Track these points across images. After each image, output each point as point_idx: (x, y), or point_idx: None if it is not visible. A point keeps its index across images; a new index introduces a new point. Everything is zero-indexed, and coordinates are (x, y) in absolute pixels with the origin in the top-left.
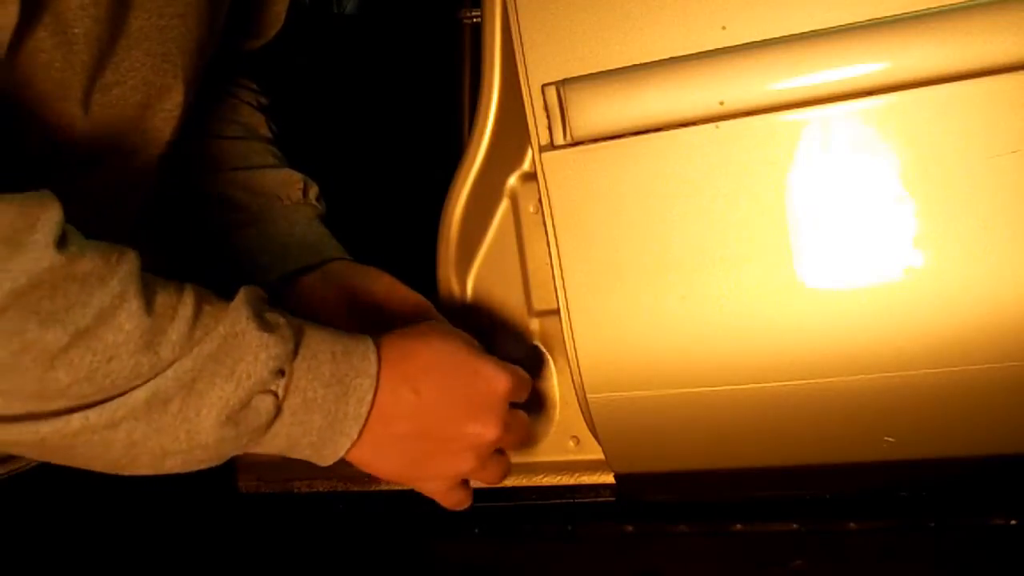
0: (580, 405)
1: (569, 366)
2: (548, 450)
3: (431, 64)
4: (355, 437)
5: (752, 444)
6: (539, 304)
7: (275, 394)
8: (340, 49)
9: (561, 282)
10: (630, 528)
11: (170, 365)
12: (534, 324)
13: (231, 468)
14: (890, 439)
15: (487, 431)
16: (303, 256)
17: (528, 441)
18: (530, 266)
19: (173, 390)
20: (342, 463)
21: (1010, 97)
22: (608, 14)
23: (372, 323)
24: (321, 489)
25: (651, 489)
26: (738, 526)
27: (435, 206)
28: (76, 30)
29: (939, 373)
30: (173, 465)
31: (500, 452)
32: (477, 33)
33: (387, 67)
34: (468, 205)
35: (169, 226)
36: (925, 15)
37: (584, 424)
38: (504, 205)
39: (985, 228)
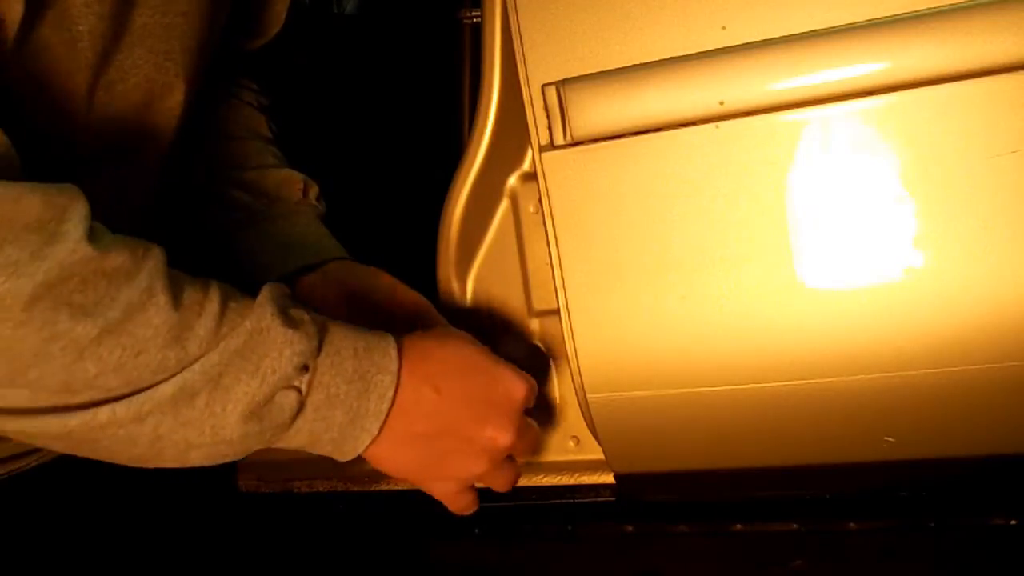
0: (580, 405)
1: (569, 366)
2: (548, 450)
3: (431, 64)
4: (375, 433)
5: (752, 444)
6: (539, 304)
7: (298, 390)
8: (340, 49)
9: (561, 282)
10: (630, 528)
11: (197, 360)
12: (534, 324)
13: (231, 468)
14: (890, 439)
15: (502, 436)
16: (303, 256)
17: (537, 450)
18: (530, 266)
19: (200, 385)
20: (343, 463)
21: (1010, 97)
22: (608, 14)
23: (372, 323)
24: (321, 489)
25: (651, 489)
26: (738, 526)
27: (435, 206)
28: (80, 27)
29: (939, 373)
30: (197, 458)
31: (510, 459)
32: (477, 33)
33: (387, 67)
34: (468, 205)
35: (170, 226)
36: (925, 15)
37: (584, 424)
38: (504, 205)
39: (985, 228)
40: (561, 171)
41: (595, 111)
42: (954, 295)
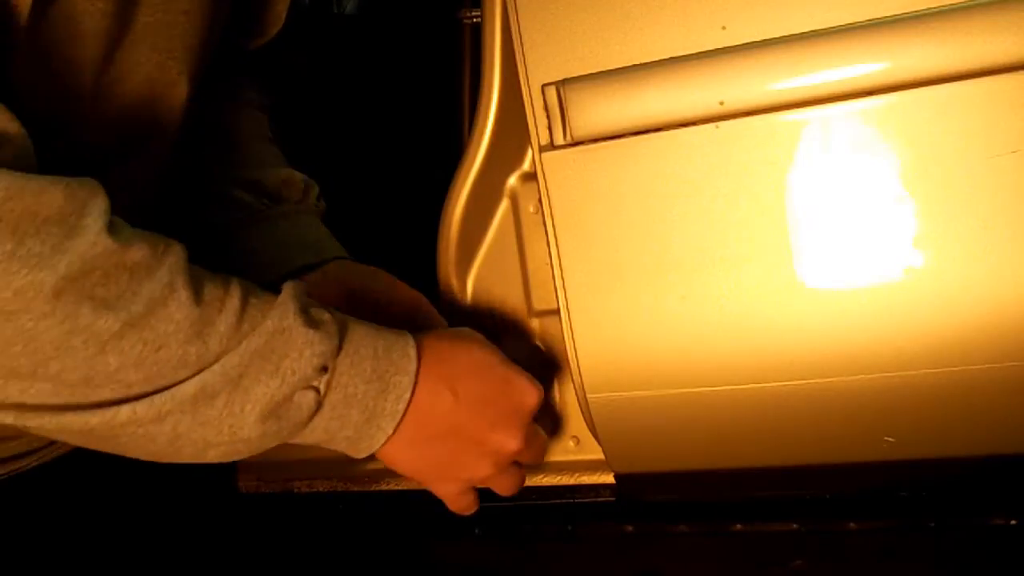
0: (580, 405)
1: (569, 366)
2: (548, 450)
3: (431, 64)
4: (391, 432)
5: (752, 444)
6: (539, 304)
7: (317, 390)
8: (340, 49)
9: (561, 282)
10: (630, 528)
11: (217, 359)
12: (534, 324)
13: (231, 468)
14: (890, 439)
15: (511, 441)
16: (303, 255)
17: (542, 459)
18: (530, 266)
19: (220, 385)
20: (344, 462)
21: (1010, 97)
22: (608, 14)
23: (372, 322)
24: (321, 489)
25: (651, 489)
26: (738, 526)
27: (435, 206)
28: (85, 25)
29: (939, 373)
30: (214, 456)
31: (516, 464)
32: (477, 33)
33: (387, 67)
34: (468, 205)
35: (170, 225)
36: (925, 15)
37: (584, 424)
38: (504, 205)
39: (985, 228)
40: (561, 171)
41: (595, 111)
42: (954, 295)
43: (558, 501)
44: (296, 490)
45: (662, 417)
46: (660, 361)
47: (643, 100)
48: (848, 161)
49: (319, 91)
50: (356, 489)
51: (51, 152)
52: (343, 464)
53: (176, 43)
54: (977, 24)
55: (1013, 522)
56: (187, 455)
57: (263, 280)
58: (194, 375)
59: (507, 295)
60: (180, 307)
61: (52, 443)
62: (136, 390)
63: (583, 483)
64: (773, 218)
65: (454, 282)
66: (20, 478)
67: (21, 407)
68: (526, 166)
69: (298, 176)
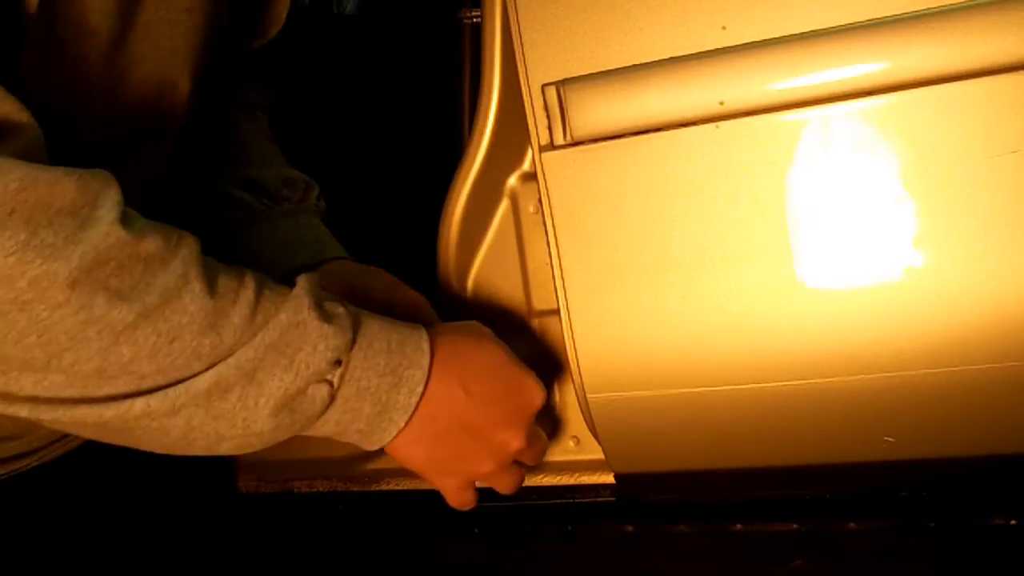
0: (580, 405)
1: (569, 366)
2: (548, 450)
3: (431, 64)
4: (402, 426)
5: (752, 444)
6: (539, 304)
7: (330, 383)
8: (340, 49)
9: (561, 282)
10: (630, 528)
11: (232, 351)
12: (534, 324)
13: (231, 468)
14: (890, 439)
15: (515, 440)
16: (303, 255)
17: (542, 460)
18: (530, 266)
19: (234, 379)
20: (344, 462)
21: (1010, 97)
22: (608, 14)
23: None
24: (321, 489)
25: (651, 489)
26: (738, 526)
27: (435, 206)
28: (91, 21)
29: (939, 373)
30: (227, 448)
31: (517, 463)
32: (477, 33)
33: (387, 67)
34: (468, 205)
35: (173, 223)
36: (925, 15)
37: (584, 424)
38: (504, 205)
39: (985, 228)
40: (561, 171)
41: (595, 111)
42: (954, 295)
43: (558, 501)
44: (296, 490)
45: (662, 417)
46: (660, 361)
47: (643, 100)
48: (848, 161)
49: (319, 91)
50: (356, 489)
51: (65, 146)
52: (343, 464)
53: (179, 41)
54: (977, 24)
55: (1013, 522)
56: (200, 448)
57: None
58: (208, 368)
59: (507, 295)
60: (194, 299)
61: (52, 443)
62: (150, 382)
63: (583, 483)
64: (773, 218)
65: (454, 282)
66: (20, 478)
67: (35, 400)
68: (526, 166)
69: (298, 176)
